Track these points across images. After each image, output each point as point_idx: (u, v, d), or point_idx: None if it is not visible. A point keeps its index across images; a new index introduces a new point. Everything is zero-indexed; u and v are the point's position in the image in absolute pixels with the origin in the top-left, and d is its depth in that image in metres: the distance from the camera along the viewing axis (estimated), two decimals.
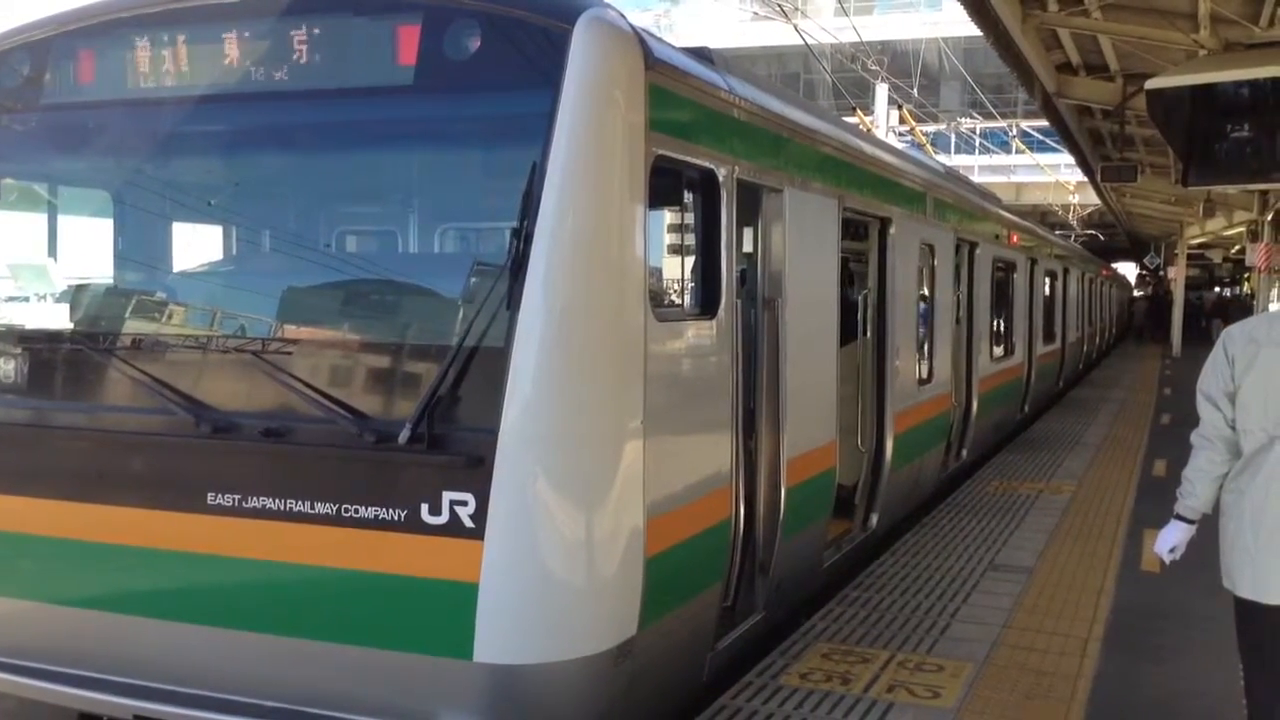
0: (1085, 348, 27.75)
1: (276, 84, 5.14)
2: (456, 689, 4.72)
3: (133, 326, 5.57)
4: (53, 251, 6.11)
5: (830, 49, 27.22)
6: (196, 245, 6.14)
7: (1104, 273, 36.92)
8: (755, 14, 43.13)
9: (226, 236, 6.18)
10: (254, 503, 4.96)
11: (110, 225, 6.09)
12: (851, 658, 6.56)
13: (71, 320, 5.81)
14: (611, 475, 4.81)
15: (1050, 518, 10.58)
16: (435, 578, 4.70)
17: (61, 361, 5.57)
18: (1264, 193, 23.27)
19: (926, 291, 10.83)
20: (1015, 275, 16.02)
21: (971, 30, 14.67)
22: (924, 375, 10.55)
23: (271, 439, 4.95)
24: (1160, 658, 6.80)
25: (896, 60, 39.65)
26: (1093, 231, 50.28)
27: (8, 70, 5.69)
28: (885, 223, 9.03)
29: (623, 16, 5.04)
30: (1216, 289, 58.06)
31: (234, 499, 5.00)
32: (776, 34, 35.70)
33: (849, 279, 9.51)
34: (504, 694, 4.72)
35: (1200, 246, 42.92)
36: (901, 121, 31.71)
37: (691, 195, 5.73)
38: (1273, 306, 24.87)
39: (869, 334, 9.09)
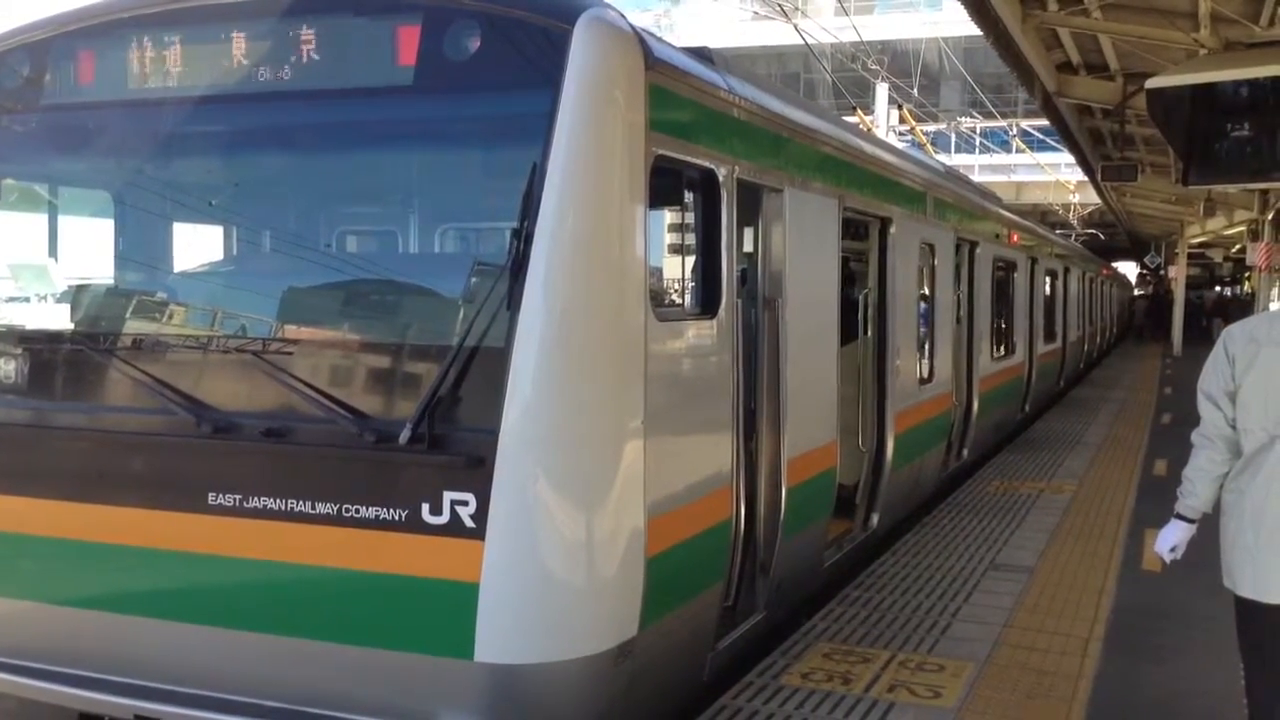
0: (1086, 347, 27.75)
1: (276, 84, 5.14)
2: (457, 689, 4.72)
3: (133, 327, 5.57)
4: (53, 252, 6.11)
5: (830, 49, 27.23)
6: (197, 246, 6.14)
7: (1104, 272, 36.92)
8: (755, 14, 43.10)
9: (227, 237, 6.18)
10: (255, 503, 4.96)
11: (110, 226, 6.10)
12: (852, 657, 6.56)
13: (72, 320, 5.81)
14: (612, 475, 4.81)
15: (1051, 517, 10.58)
16: (436, 578, 4.70)
17: (62, 362, 5.57)
18: (1264, 192, 23.27)
19: (927, 291, 10.83)
20: (1016, 275, 16.02)
21: (972, 30, 14.67)
22: (924, 375, 10.55)
23: (272, 439, 4.95)
24: (1161, 657, 6.80)
25: (897, 60, 39.66)
26: (1093, 231, 50.27)
27: (8, 71, 5.69)
28: (885, 222, 9.03)
29: (623, 16, 5.04)
30: (1217, 288, 58.04)
31: (235, 499, 5.00)
32: (777, 34, 35.70)
33: (849, 279, 9.51)
34: (504, 694, 4.72)
35: (1201, 246, 42.92)
36: (902, 121, 31.74)
37: (692, 195, 5.73)
38: (1273, 306, 24.86)
39: (869, 334, 9.09)
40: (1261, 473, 4.59)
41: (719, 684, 6.19)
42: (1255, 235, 26.28)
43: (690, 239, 5.94)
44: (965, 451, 12.84)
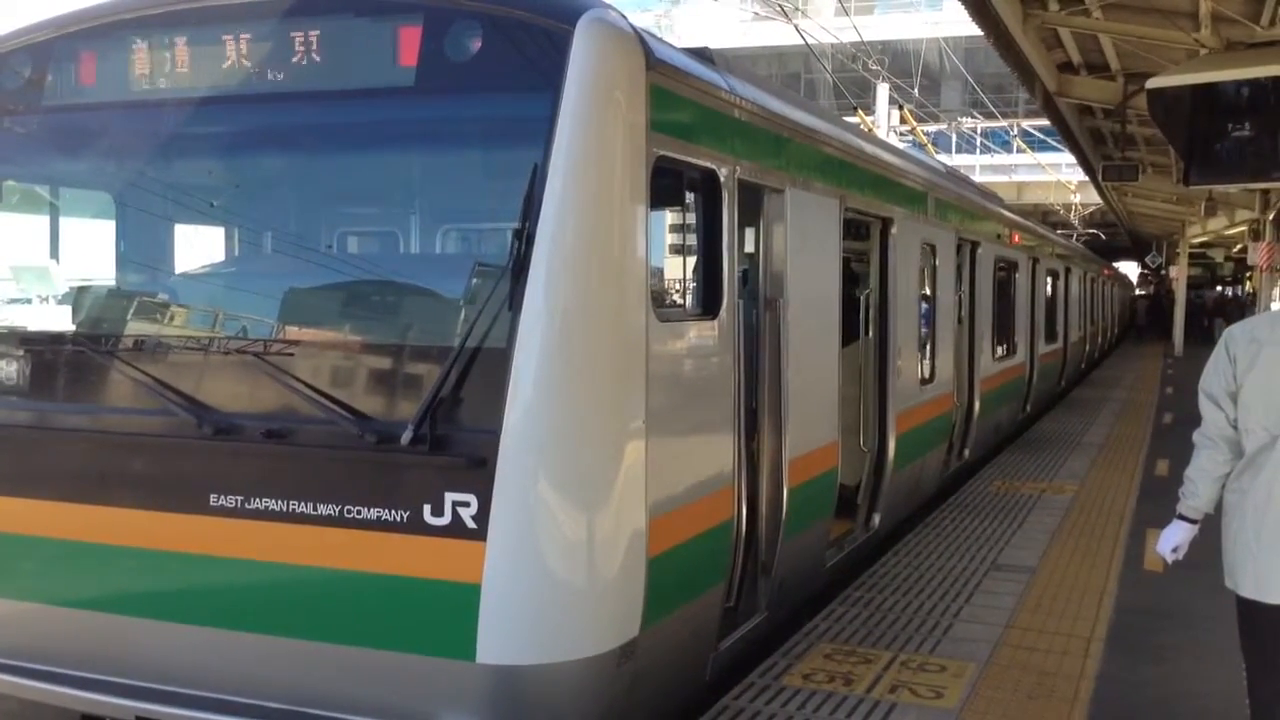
0: (1087, 347, 27.75)
1: (278, 85, 5.14)
2: (459, 690, 4.72)
3: (135, 328, 5.57)
4: (55, 253, 6.11)
5: (831, 49, 27.22)
6: (198, 247, 6.14)
7: (1105, 272, 36.91)
8: (756, 14, 43.15)
9: (228, 238, 6.18)
10: (256, 504, 4.97)
11: (112, 227, 6.10)
12: (854, 658, 6.56)
13: (74, 322, 5.81)
14: (613, 476, 4.81)
15: (1053, 517, 10.58)
16: (437, 579, 4.70)
17: (64, 363, 5.57)
18: (1265, 192, 23.25)
19: (928, 291, 10.84)
20: (1017, 275, 16.02)
21: (972, 30, 14.66)
22: (926, 375, 10.55)
23: (274, 440, 4.95)
24: (1163, 657, 6.80)
25: (897, 60, 39.69)
26: (1094, 231, 50.24)
27: (9, 72, 5.70)
28: (887, 223, 9.03)
29: (623, 17, 5.04)
30: (1218, 288, 58.01)
31: (236, 500, 5.00)
32: (777, 34, 35.67)
33: (851, 279, 9.51)
34: (506, 695, 4.72)
35: (1202, 245, 42.90)
36: (902, 121, 31.71)
37: (693, 196, 5.73)
38: (1274, 306, 24.85)
39: (871, 334, 9.09)
40: (1263, 473, 4.59)
41: (721, 684, 6.19)
42: (1256, 235, 26.26)
43: (691, 239, 5.95)
44: (967, 452, 12.84)
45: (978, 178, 28.41)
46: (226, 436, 5.04)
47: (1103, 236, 51.61)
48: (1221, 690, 6.11)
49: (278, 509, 4.93)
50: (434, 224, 6.36)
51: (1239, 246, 38.08)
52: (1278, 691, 4.64)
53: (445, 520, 4.65)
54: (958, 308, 12.16)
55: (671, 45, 5.75)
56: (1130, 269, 64.86)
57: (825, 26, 24.24)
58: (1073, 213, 45.71)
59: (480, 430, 4.60)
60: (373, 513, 4.76)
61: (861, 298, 9.09)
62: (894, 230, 9.07)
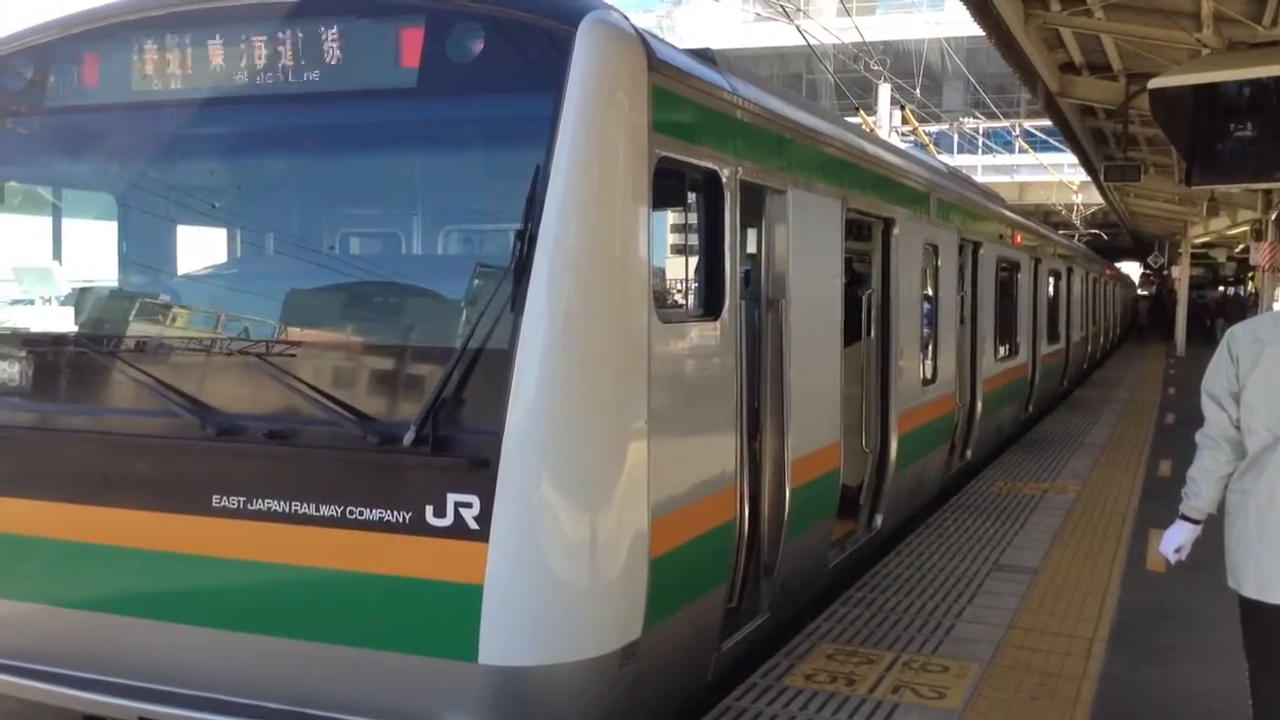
0: (1089, 348, 27.73)
1: (280, 87, 5.15)
2: (461, 691, 4.72)
3: (138, 329, 5.58)
4: (57, 254, 6.12)
5: (833, 49, 27.19)
6: (201, 248, 6.15)
7: (1107, 272, 36.89)
8: (758, 15, 43.13)
9: (231, 239, 6.19)
10: (258, 505, 4.97)
11: (114, 228, 6.10)
12: (856, 658, 6.56)
13: (76, 323, 5.82)
14: (616, 477, 4.81)
15: (1055, 518, 10.58)
16: (439, 580, 4.70)
17: (66, 364, 5.58)
18: (1267, 192, 23.24)
19: (930, 292, 10.84)
20: (1019, 275, 16.01)
21: (974, 30, 14.65)
22: (928, 375, 10.55)
23: (276, 441, 4.95)
24: (1165, 658, 6.80)
25: (899, 60, 39.63)
26: (1096, 231, 50.20)
27: (12, 74, 5.71)
28: (889, 223, 9.03)
29: (625, 18, 5.04)
30: (1221, 288, 57.96)
31: (239, 501, 5.00)
32: (779, 34, 35.65)
33: (853, 279, 9.51)
34: (508, 696, 4.73)
35: (1204, 246, 42.87)
36: (904, 122, 31.67)
37: (695, 196, 5.73)
38: (1277, 306, 24.83)
39: (873, 334, 9.09)
40: (1266, 473, 4.59)
41: (723, 685, 6.19)
42: (1259, 235, 26.26)
43: (694, 240, 5.95)
44: (969, 452, 12.83)
45: (980, 178, 28.39)
46: (229, 437, 5.04)
47: (1105, 237, 51.57)
48: (1224, 690, 6.10)
49: (280, 510, 4.93)
50: (436, 225, 6.37)
51: (1241, 247, 38.05)
52: None
53: (447, 521, 4.66)
54: (960, 308, 12.16)
55: (673, 46, 5.75)
56: (1132, 269, 64.80)
57: (827, 27, 24.23)
58: (1074, 213, 45.67)
59: (482, 431, 4.61)
60: (375, 514, 4.77)
61: (864, 298, 9.09)
62: (896, 231, 9.07)
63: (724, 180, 5.74)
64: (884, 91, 28.14)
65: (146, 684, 5.20)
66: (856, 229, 8.77)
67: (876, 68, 26.35)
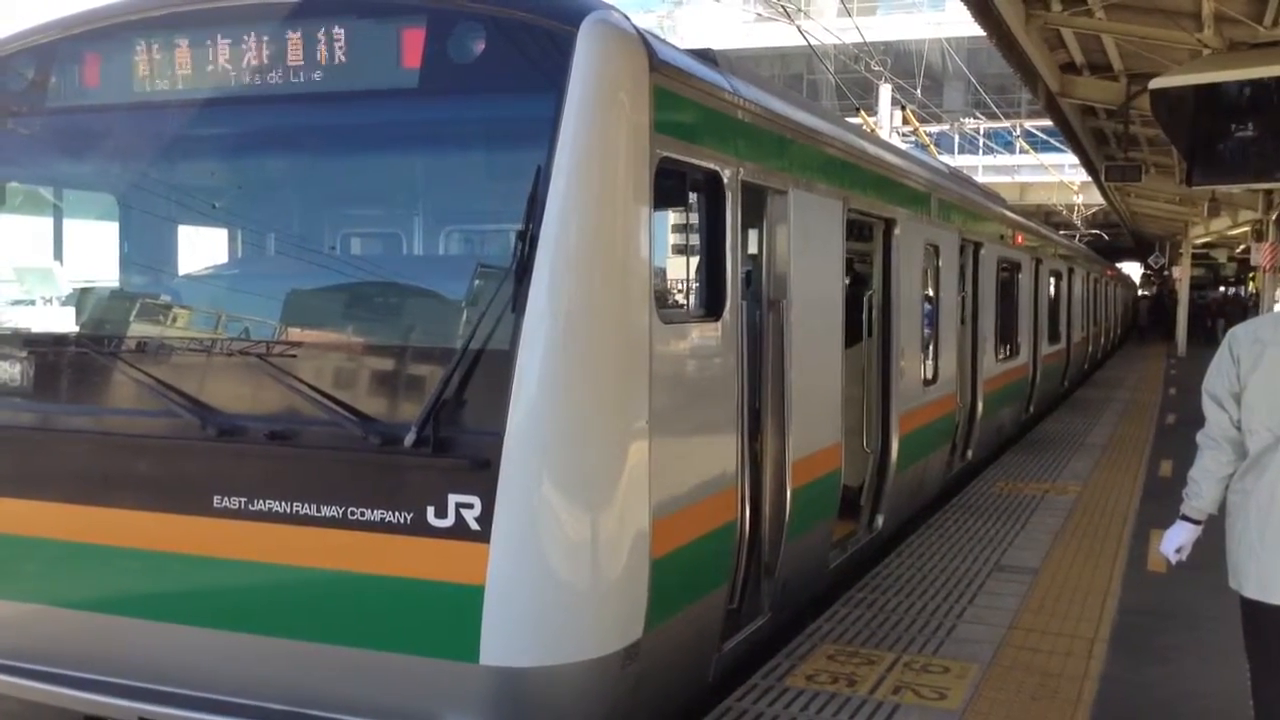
0: (1090, 348, 27.73)
1: (281, 87, 5.15)
2: (462, 692, 4.72)
3: (139, 329, 5.58)
4: (59, 255, 6.12)
5: (834, 50, 27.18)
6: (202, 248, 6.15)
7: (1108, 272, 36.89)
8: (759, 15, 43.12)
9: (232, 240, 6.19)
10: (259, 506, 4.97)
11: (115, 228, 6.11)
12: (857, 659, 6.56)
13: (78, 323, 5.81)
14: (617, 477, 4.81)
15: (1056, 518, 10.57)
16: (441, 580, 4.70)
17: (67, 365, 5.58)
18: (1268, 192, 23.24)
19: (931, 292, 10.83)
20: (1020, 276, 16.01)
21: (975, 30, 14.65)
22: (929, 376, 10.55)
23: (277, 442, 4.95)
24: (1166, 658, 6.79)
25: (900, 61, 39.62)
26: (1097, 231, 50.20)
27: (13, 74, 5.71)
28: (890, 224, 9.03)
29: (627, 18, 5.04)
30: (1222, 289, 57.96)
31: (240, 502, 5.00)
32: (780, 35, 35.66)
33: (854, 280, 9.51)
34: (510, 697, 4.72)
35: (1205, 246, 42.86)
36: (905, 122, 31.66)
37: (696, 197, 5.73)
38: (1278, 306, 24.83)
39: (874, 335, 9.09)
40: (1267, 473, 4.59)
41: (724, 686, 6.19)
42: (1259, 235, 26.26)
43: (695, 241, 5.95)
44: (970, 453, 12.83)
45: (980, 178, 28.39)
46: (230, 438, 5.04)
47: (1105, 237, 51.57)
48: (1225, 691, 6.10)
49: (281, 510, 4.93)
50: (437, 225, 6.37)
51: (1242, 247, 38.04)
52: None
53: (449, 522, 4.65)
54: (961, 308, 12.16)
55: (674, 46, 5.75)
56: (1133, 269, 64.77)
57: (828, 27, 24.22)
58: (1075, 213, 45.68)
59: (484, 432, 4.61)
60: (376, 514, 4.77)
61: (865, 298, 9.09)
62: (897, 231, 9.07)
63: (725, 181, 5.74)
64: (885, 92, 28.13)
65: (147, 684, 5.19)
66: (858, 229, 8.77)
67: (877, 68, 26.36)
